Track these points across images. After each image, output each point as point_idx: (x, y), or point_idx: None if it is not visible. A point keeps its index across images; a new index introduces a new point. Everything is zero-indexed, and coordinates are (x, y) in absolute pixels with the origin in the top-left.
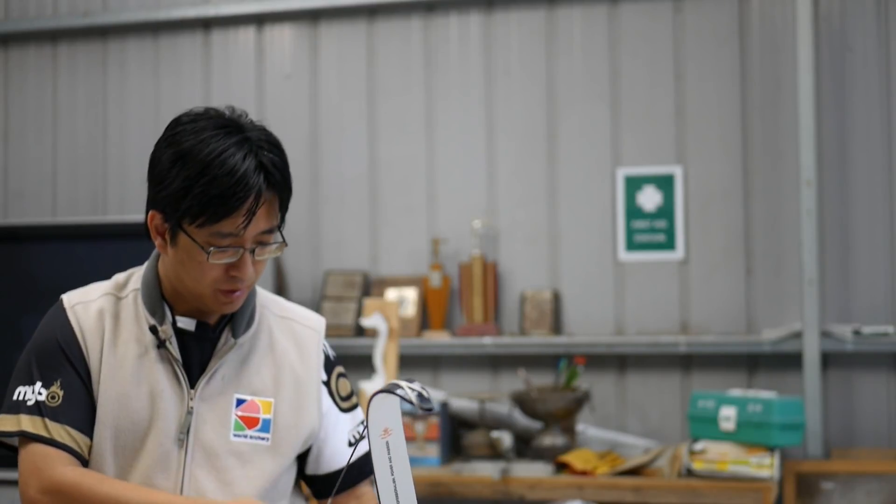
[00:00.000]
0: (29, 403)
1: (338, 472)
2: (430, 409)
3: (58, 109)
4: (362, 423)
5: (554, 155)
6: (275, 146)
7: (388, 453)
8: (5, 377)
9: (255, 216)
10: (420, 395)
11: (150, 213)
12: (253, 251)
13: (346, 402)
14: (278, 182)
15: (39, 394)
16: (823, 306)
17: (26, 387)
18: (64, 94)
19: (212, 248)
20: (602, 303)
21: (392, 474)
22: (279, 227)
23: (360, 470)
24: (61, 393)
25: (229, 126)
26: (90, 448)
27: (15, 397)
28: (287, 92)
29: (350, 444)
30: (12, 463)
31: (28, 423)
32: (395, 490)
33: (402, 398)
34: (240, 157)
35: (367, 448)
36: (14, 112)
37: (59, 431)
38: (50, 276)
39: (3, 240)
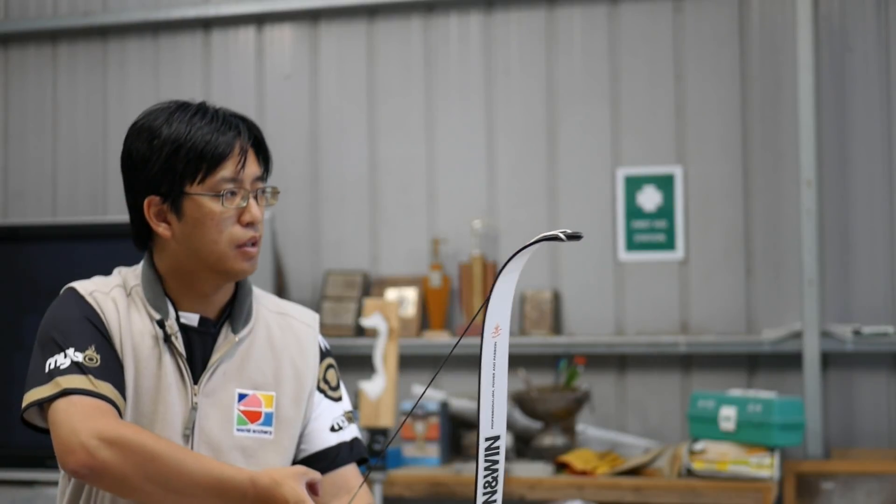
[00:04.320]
0: (64, 367)
1: (315, 455)
2: (579, 237)
3: (58, 109)
4: (344, 413)
5: (554, 155)
6: (232, 111)
7: (494, 357)
8: (5, 377)
9: (248, 154)
10: (564, 232)
11: (146, 201)
12: (255, 198)
13: (333, 392)
14: (251, 128)
15: (75, 356)
16: (823, 306)
17: (56, 355)
18: (64, 94)
19: (223, 192)
20: (602, 303)
21: (493, 385)
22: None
23: (343, 453)
24: (98, 356)
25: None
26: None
27: (46, 369)
28: (287, 92)
29: (333, 430)
30: (12, 463)
31: (68, 382)
32: (493, 401)
33: (548, 239)
34: (208, 110)
35: (351, 436)
36: (14, 112)
37: (105, 387)
38: (50, 276)
39: (3, 240)
